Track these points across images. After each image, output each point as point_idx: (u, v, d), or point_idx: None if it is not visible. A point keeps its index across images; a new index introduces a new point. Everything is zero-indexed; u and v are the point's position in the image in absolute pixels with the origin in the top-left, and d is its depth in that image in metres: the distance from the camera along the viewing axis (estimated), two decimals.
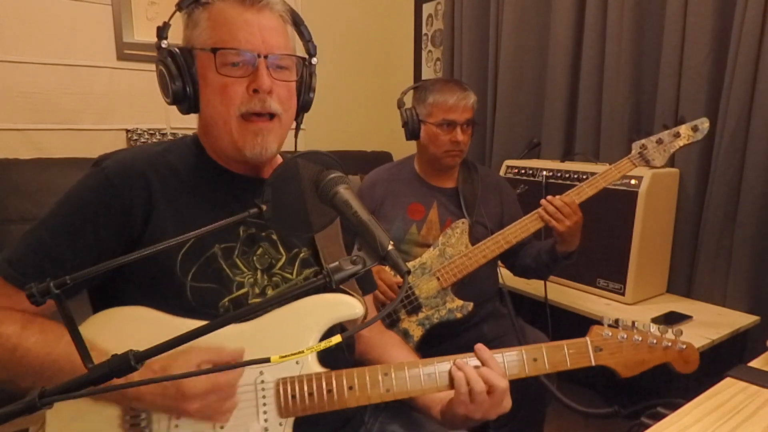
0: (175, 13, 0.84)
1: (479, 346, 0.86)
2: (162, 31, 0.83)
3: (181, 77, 0.81)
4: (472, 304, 1.47)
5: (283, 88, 0.84)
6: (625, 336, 0.88)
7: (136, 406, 0.74)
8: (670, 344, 0.88)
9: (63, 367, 0.71)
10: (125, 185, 0.80)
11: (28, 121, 2.12)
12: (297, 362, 0.81)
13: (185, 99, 0.83)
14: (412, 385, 0.82)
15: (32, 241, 0.79)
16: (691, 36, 1.74)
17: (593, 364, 0.88)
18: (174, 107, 0.86)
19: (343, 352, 0.92)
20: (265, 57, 0.81)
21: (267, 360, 0.50)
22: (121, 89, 2.31)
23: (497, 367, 0.84)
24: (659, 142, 1.38)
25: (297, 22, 0.89)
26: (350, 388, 0.80)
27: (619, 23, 1.94)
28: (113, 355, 0.48)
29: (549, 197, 1.40)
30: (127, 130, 2.34)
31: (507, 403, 0.83)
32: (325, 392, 0.79)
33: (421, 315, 1.47)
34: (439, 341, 1.50)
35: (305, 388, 0.79)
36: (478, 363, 0.85)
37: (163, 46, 0.83)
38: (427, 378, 0.83)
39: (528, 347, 0.88)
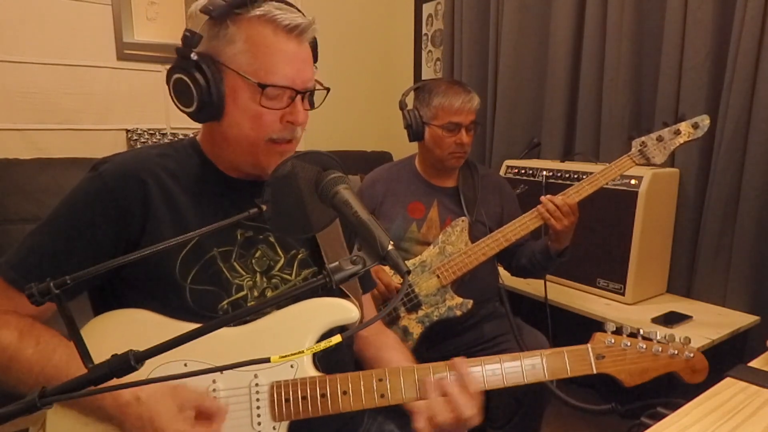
0: (206, 21, 0.80)
1: (458, 360, 0.84)
2: (191, 40, 0.79)
3: (209, 90, 0.79)
4: (471, 301, 1.47)
5: (308, 115, 0.86)
6: (629, 343, 0.85)
7: None
8: (676, 352, 0.85)
9: (50, 382, 0.71)
10: (122, 190, 0.80)
11: (28, 121, 2.13)
12: (291, 366, 0.81)
13: (207, 111, 0.81)
14: (407, 391, 0.82)
15: (33, 244, 0.80)
16: (691, 36, 1.74)
17: (594, 372, 0.85)
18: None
19: (341, 352, 0.92)
20: (303, 93, 0.82)
21: (267, 360, 0.50)
22: (121, 89, 2.31)
23: (471, 384, 0.81)
24: (659, 139, 1.37)
25: (315, 44, 0.89)
26: (344, 392, 0.80)
27: (619, 23, 1.94)
28: (113, 355, 0.48)
29: (549, 195, 1.40)
30: (127, 130, 2.34)
31: (474, 422, 0.81)
32: (318, 396, 0.79)
33: (420, 313, 1.47)
34: (439, 339, 1.50)
35: (299, 392, 0.79)
36: (453, 374, 0.83)
37: (194, 57, 0.79)
38: (422, 385, 0.82)
39: (527, 354, 0.86)
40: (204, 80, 0.79)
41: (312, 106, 0.90)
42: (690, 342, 0.87)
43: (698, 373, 0.86)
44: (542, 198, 1.41)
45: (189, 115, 0.83)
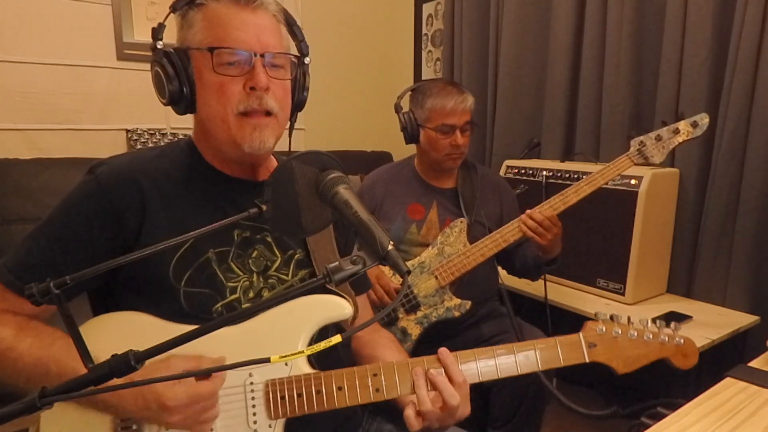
0: (169, 14, 0.84)
1: (442, 350, 0.84)
2: (157, 32, 0.83)
3: (178, 77, 0.81)
4: (470, 302, 1.47)
5: (279, 86, 0.85)
6: (620, 331, 0.86)
7: (123, 417, 0.75)
8: (667, 339, 0.86)
9: (50, 370, 0.72)
10: (118, 192, 0.80)
11: (28, 121, 2.12)
12: (286, 363, 0.81)
13: (182, 99, 0.83)
14: (402, 386, 0.82)
15: (30, 246, 0.80)
16: (691, 36, 1.74)
17: (587, 360, 0.85)
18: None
19: (339, 351, 0.92)
20: (261, 55, 0.81)
21: (267, 360, 0.50)
22: (121, 89, 2.31)
23: (455, 374, 0.81)
24: (658, 138, 1.37)
25: (290, 23, 0.90)
26: (339, 388, 0.80)
27: (619, 23, 1.94)
28: (113, 355, 0.48)
29: (528, 211, 1.41)
30: (127, 130, 2.34)
31: (462, 413, 0.82)
32: (314, 393, 0.79)
33: (419, 313, 1.47)
34: (437, 340, 1.50)
35: (294, 390, 0.79)
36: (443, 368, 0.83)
37: (159, 47, 0.82)
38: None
39: (519, 344, 0.86)
40: (171, 66, 0.81)
41: (303, 84, 0.91)
42: (680, 328, 0.88)
43: (689, 358, 0.86)
44: (522, 216, 1.41)
45: (173, 107, 0.85)
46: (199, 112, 0.85)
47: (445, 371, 0.82)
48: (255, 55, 0.80)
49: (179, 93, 0.82)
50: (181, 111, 0.85)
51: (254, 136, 0.83)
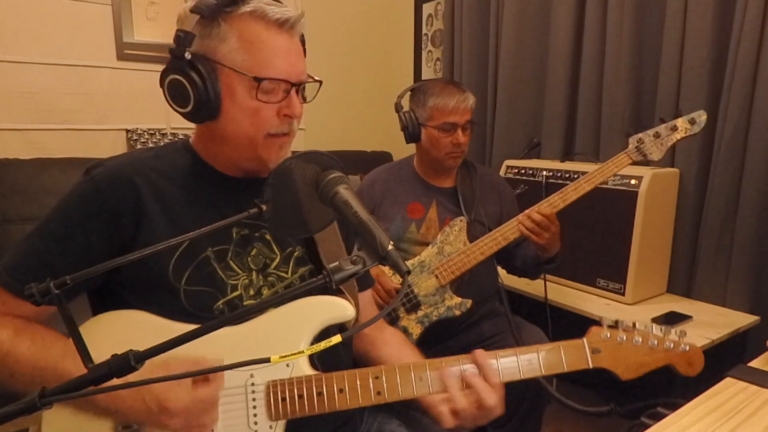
0: (197, 20, 0.80)
1: (479, 352, 0.84)
2: (184, 40, 0.79)
3: (207, 91, 0.79)
4: (470, 301, 1.47)
5: (302, 108, 0.87)
6: (625, 337, 0.85)
7: (122, 421, 0.75)
8: (672, 345, 0.85)
9: (48, 377, 0.72)
10: (114, 192, 0.80)
11: (28, 121, 2.12)
12: (287, 365, 0.81)
13: (204, 111, 0.81)
14: (404, 388, 0.82)
15: (27, 248, 0.80)
16: (691, 36, 1.74)
17: (590, 366, 0.85)
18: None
19: (339, 351, 0.92)
20: (298, 85, 0.83)
21: (267, 360, 0.50)
22: (121, 89, 2.31)
23: (492, 375, 0.82)
24: (656, 135, 1.36)
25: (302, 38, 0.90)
26: (340, 390, 0.80)
27: (619, 23, 1.94)
28: (113, 355, 0.48)
29: (526, 211, 1.41)
30: (127, 130, 2.34)
31: (497, 412, 0.82)
32: (315, 395, 0.79)
33: (420, 313, 1.47)
34: (438, 339, 1.51)
35: (295, 391, 0.79)
36: (472, 366, 0.84)
37: (187, 57, 0.79)
38: (419, 382, 0.82)
39: (523, 349, 0.86)
40: (200, 79, 0.79)
41: (305, 99, 0.91)
42: (686, 335, 0.87)
43: (694, 366, 0.85)
44: (519, 216, 1.41)
45: (185, 115, 0.83)
46: (222, 125, 0.83)
47: (482, 372, 0.83)
48: (292, 85, 0.82)
49: (206, 104, 0.80)
50: (198, 120, 0.84)
51: (279, 155, 0.86)
